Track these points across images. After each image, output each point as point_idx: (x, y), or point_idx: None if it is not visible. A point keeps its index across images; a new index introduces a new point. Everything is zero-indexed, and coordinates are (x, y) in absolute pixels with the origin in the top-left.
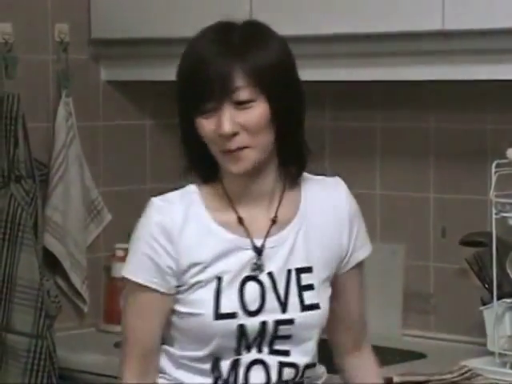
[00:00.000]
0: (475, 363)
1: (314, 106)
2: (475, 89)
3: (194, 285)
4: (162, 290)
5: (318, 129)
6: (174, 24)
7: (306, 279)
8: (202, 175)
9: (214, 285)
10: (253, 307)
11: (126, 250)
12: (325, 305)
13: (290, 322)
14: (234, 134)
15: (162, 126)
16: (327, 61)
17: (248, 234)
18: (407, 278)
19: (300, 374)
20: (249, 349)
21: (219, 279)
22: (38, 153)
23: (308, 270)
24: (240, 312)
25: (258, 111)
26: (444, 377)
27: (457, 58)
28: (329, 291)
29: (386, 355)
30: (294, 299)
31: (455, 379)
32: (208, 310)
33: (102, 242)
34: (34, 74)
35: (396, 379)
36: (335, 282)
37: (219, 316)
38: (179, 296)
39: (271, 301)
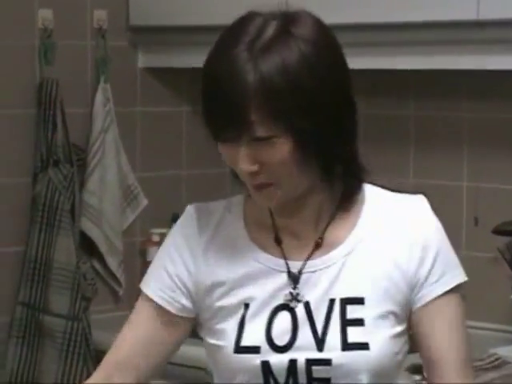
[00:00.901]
0: (505, 351)
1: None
2: (510, 77)
3: (218, 311)
4: (167, 308)
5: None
6: (211, 11)
7: (353, 312)
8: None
9: (240, 313)
10: (281, 342)
11: (162, 235)
12: (379, 346)
13: (327, 362)
14: (255, 171)
15: (199, 113)
16: (361, 49)
17: (284, 256)
18: None
19: None
20: None
21: (246, 306)
22: (76, 138)
23: (358, 301)
24: (265, 346)
25: (280, 150)
26: (474, 364)
27: (491, 47)
28: (390, 331)
29: None
30: (334, 335)
31: (485, 367)
32: (230, 341)
33: (138, 227)
34: (72, 60)
35: None
36: (413, 321)
37: (240, 349)
38: (206, 325)
39: (305, 336)
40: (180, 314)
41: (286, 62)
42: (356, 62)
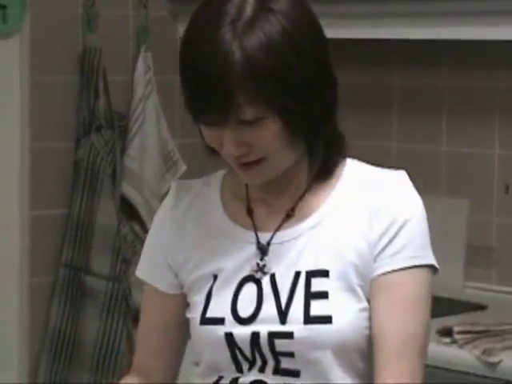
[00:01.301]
0: None
1: (381, 64)
2: None
3: (192, 285)
4: (160, 289)
5: (385, 86)
6: None
7: (318, 285)
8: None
9: (209, 284)
10: (244, 314)
11: None
12: (342, 320)
13: (289, 335)
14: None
15: None
16: (394, 19)
17: (254, 227)
18: (470, 232)
19: None
20: (251, 366)
21: (215, 278)
22: (118, 104)
23: (323, 273)
24: (229, 318)
25: (268, 130)
26: (503, 328)
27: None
28: (357, 305)
29: (448, 306)
30: (297, 308)
31: None
32: (197, 313)
33: None
34: (114, 29)
35: (456, 329)
36: (368, 292)
37: (206, 321)
38: (187, 300)
39: (269, 308)
40: (172, 292)
41: (270, 40)
42: (390, 32)
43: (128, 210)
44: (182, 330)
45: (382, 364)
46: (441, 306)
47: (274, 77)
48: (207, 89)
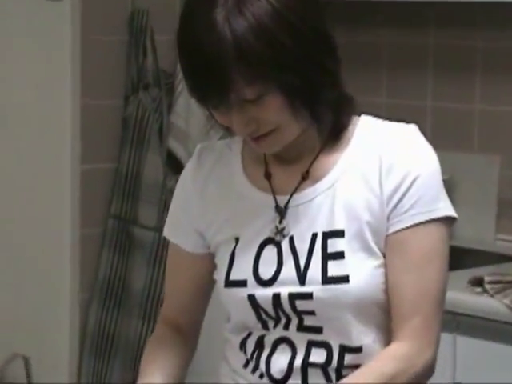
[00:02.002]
0: None
1: (418, 25)
2: None
3: (216, 247)
4: (187, 250)
5: (421, 46)
6: None
7: (334, 245)
8: None
9: (231, 247)
10: (265, 276)
11: None
12: (359, 279)
13: (308, 296)
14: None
15: None
16: None
17: (272, 191)
18: (502, 187)
19: (336, 357)
20: (276, 324)
21: (237, 240)
22: (165, 63)
23: (338, 234)
24: (251, 280)
25: (271, 105)
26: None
27: None
28: (373, 262)
29: (479, 257)
30: (315, 269)
31: None
32: (222, 275)
33: None
34: None
35: (487, 278)
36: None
37: (229, 283)
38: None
39: (288, 270)
40: (199, 252)
41: (259, 22)
42: None
43: (174, 165)
44: (207, 288)
45: (398, 320)
46: (472, 258)
47: (267, 57)
48: (205, 74)
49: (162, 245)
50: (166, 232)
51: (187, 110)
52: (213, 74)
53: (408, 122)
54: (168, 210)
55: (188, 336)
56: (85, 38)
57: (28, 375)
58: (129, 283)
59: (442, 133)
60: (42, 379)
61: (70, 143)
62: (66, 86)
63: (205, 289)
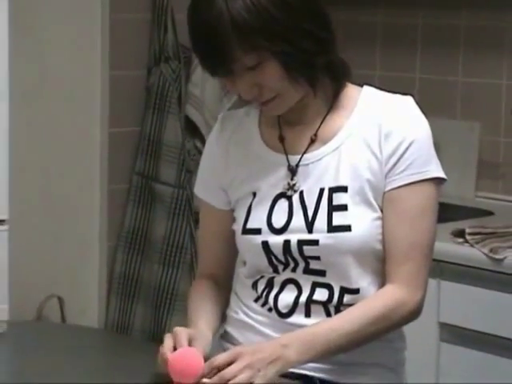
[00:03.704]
0: None
1: (408, 7)
2: None
3: (236, 202)
4: (216, 206)
5: (411, 25)
6: None
7: (338, 199)
8: None
9: (249, 200)
10: (277, 225)
11: None
12: (360, 228)
13: (315, 242)
14: (257, 94)
15: None
16: None
17: (285, 152)
18: (481, 150)
19: (336, 297)
20: (285, 267)
21: (254, 195)
22: (183, 39)
23: (342, 189)
24: (265, 228)
25: (269, 71)
26: (508, 230)
27: None
28: (372, 215)
29: (461, 212)
30: (321, 219)
31: None
32: (239, 225)
33: None
34: None
35: (468, 230)
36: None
37: (246, 231)
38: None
39: (298, 220)
40: (223, 208)
41: (253, 1)
42: None
43: (191, 129)
44: (235, 243)
45: (392, 266)
46: (455, 212)
47: (262, 31)
48: (209, 48)
49: (180, 200)
50: (197, 190)
51: (203, 80)
52: (215, 45)
53: (398, 92)
54: (185, 168)
55: (223, 288)
56: (113, 16)
57: (62, 313)
58: (150, 233)
59: (428, 102)
60: (74, 317)
61: (100, 109)
62: (96, 58)
63: (233, 240)
